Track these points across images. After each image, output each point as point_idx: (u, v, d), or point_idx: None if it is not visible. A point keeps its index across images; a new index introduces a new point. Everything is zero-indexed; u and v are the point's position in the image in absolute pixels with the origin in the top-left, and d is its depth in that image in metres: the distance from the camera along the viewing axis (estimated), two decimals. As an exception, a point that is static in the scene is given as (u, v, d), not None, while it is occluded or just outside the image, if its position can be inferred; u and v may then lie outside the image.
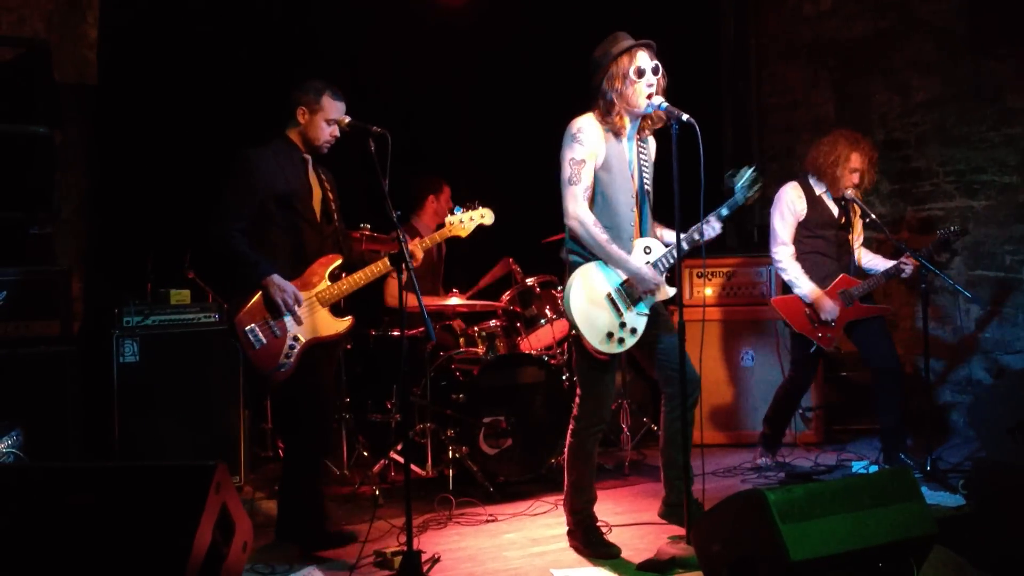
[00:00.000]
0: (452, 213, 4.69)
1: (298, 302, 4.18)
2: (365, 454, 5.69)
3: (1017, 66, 6.30)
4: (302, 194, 4.31)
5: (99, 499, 2.84)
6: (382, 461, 5.44)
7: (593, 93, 4.15)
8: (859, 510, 3.29)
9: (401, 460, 5.27)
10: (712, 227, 4.23)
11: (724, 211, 4.26)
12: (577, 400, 4.27)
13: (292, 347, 4.18)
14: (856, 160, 5.42)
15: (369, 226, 5.21)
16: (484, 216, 4.72)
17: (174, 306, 5.25)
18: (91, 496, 2.82)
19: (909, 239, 6.74)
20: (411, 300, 4.14)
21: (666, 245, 4.26)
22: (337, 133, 4.32)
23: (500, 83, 7.00)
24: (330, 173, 4.57)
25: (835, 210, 5.55)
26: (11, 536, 2.87)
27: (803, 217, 5.52)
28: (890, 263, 5.53)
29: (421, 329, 5.44)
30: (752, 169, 4.32)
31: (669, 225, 4.26)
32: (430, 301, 5.62)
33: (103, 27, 5.88)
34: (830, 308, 5.36)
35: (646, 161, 4.27)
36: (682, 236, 4.10)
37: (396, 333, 5.71)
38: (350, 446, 5.64)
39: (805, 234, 5.53)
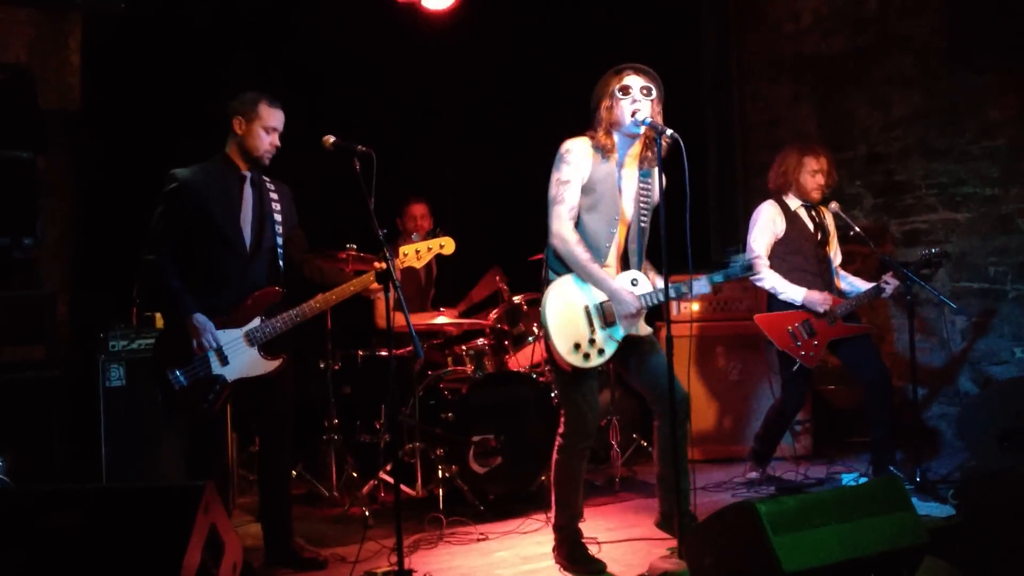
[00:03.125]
0: (410, 241, 4.52)
1: (216, 341, 4.04)
2: (354, 475, 5.66)
3: (996, 79, 6.37)
4: (231, 218, 4.17)
5: (86, 521, 2.82)
6: (371, 482, 5.42)
7: (590, 116, 4.20)
8: (850, 520, 3.29)
9: (390, 480, 5.26)
10: (702, 286, 4.23)
11: (718, 277, 4.28)
12: (562, 417, 4.25)
13: (216, 388, 4.06)
14: (811, 162, 5.53)
15: (355, 246, 5.21)
16: (443, 246, 4.48)
17: (160, 330, 5.21)
18: (78, 518, 2.80)
19: (893, 252, 6.78)
20: (399, 319, 4.10)
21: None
22: (277, 142, 4.21)
23: (488, 102, 7.04)
24: (285, 186, 4.43)
25: (811, 225, 5.59)
26: (-2, 560, 2.85)
27: (782, 234, 5.56)
28: (870, 284, 5.54)
29: (409, 348, 5.42)
30: (748, 259, 4.46)
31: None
32: (418, 320, 5.62)
33: (85, 53, 5.89)
34: (822, 299, 5.35)
35: (646, 196, 4.24)
36: (670, 286, 4.05)
37: (384, 353, 5.69)
38: (339, 467, 5.61)
39: (785, 251, 5.55)
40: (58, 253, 5.60)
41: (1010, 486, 4.32)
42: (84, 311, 5.60)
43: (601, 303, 4.13)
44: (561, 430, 4.24)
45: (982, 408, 5.36)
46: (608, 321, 4.13)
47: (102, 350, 5.05)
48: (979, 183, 6.52)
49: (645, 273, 4.29)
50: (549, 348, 4.11)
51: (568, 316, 4.09)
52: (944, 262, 5.75)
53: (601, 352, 4.13)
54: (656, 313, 4.36)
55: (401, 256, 4.37)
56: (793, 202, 5.60)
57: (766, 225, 5.56)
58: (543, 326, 4.10)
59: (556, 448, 4.25)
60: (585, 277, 4.11)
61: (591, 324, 4.11)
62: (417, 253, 4.42)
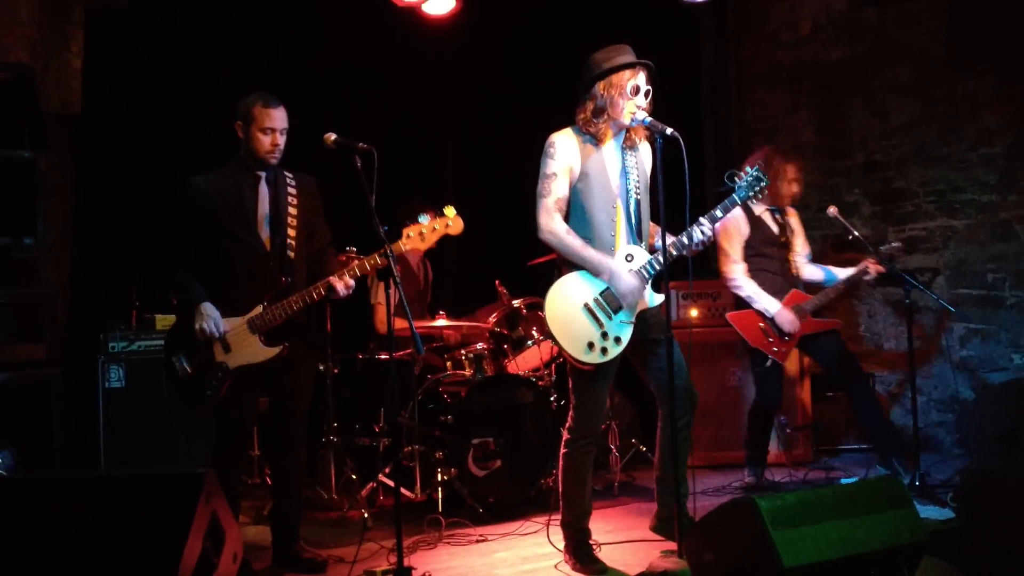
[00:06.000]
0: (416, 222, 4.24)
1: (218, 329, 4.10)
2: (353, 477, 5.64)
3: (993, 85, 6.40)
4: (245, 217, 4.23)
5: (88, 508, 2.82)
6: (370, 484, 5.41)
7: (583, 93, 4.16)
8: (850, 517, 3.29)
9: (390, 483, 5.25)
10: (704, 231, 4.17)
11: (718, 213, 4.23)
12: (570, 412, 4.24)
13: (219, 375, 4.12)
14: (792, 171, 5.63)
15: (355, 249, 5.21)
16: (450, 224, 4.18)
17: (160, 331, 5.23)
18: (79, 505, 2.80)
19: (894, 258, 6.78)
20: (399, 322, 4.07)
21: (654, 252, 4.21)
22: (279, 141, 4.25)
23: (488, 107, 7.05)
24: (307, 177, 4.44)
25: (775, 228, 5.65)
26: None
27: (747, 237, 5.62)
28: (849, 270, 5.61)
29: (408, 351, 5.42)
30: (755, 169, 4.30)
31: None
32: (418, 323, 5.61)
33: (87, 57, 5.92)
34: (790, 321, 5.46)
35: (637, 170, 4.23)
36: (671, 241, 4.09)
37: (383, 356, 5.69)
38: (338, 470, 5.60)
39: (750, 253, 5.64)
40: (58, 254, 5.61)
41: (1009, 488, 4.32)
42: (84, 312, 5.61)
43: (601, 293, 4.12)
44: (568, 424, 4.23)
45: (981, 411, 5.37)
46: (614, 306, 4.12)
47: (101, 351, 5.05)
48: (977, 190, 6.54)
49: (649, 238, 4.28)
50: (565, 355, 4.10)
51: (569, 319, 4.08)
52: (902, 254, 5.89)
53: (618, 340, 4.11)
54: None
55: (405, 237, 4.15)
56: (758, 207, 5.64)
57: (735, 228, 5.62)
58: (549, 334, 4.11)
59: (563, 443, 4.25)
60: (583, 263, 4.11)
61: (596, 319, 4.09)
62: (422, 235, 4.17)
